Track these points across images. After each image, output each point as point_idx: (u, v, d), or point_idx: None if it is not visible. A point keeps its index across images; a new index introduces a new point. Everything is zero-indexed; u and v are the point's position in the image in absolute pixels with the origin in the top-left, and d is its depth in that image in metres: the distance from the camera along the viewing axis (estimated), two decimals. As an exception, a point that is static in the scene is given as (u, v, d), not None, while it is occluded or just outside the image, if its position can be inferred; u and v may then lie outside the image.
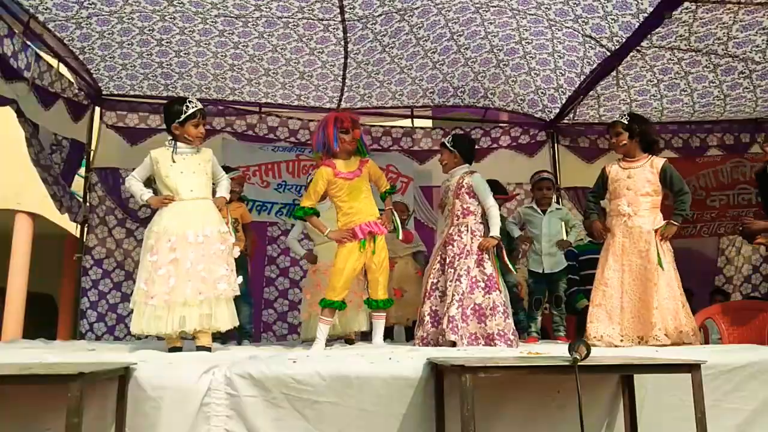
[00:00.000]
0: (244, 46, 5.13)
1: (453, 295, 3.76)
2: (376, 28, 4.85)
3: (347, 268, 3.60)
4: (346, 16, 4.68)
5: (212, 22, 4.76)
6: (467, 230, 3.92)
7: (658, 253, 3.71)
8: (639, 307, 3.71)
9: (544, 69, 5.51)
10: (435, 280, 3.97)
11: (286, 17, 4.74)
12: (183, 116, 3.44)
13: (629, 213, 3.86)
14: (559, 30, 4.85)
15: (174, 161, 3.43)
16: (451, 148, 4.14)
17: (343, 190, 3.67)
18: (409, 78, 5.58)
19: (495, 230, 3.92)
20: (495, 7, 4.68)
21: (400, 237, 4.02)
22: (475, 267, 3.84)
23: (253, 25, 4.85)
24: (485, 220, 4.03)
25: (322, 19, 4.78)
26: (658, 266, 3.69)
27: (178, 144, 3.47)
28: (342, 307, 3.66)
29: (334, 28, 4.88)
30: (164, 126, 3.60)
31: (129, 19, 4.58)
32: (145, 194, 3.50)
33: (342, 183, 3.65)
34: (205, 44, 5.07)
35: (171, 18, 4.67)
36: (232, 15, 4.68)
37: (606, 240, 3.99)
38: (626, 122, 3.97)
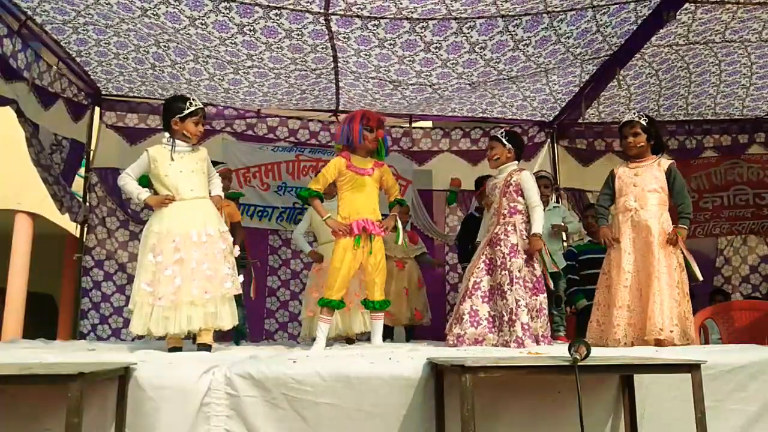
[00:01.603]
0: (235, 86, 5.24)
1: (517, 300, 3.66)
2: (368, 85, 4.92)
3: (344, 267, 3.61)
4: (339, 65, 4.73)
5: (203, 62, 4.80)
6: (514, 230, 3.85)
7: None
8: (645, 302, 3.65)
9: (539, 94, 5.57)
10: (478, 280, 3.86)
11: (278, 68, 4.76)
12: (186, 112, 3.41)
13: (636, 207, 3.82)
14: (554, 74, 4.86)
15: (173, 159, 3.41)
16: (506, 142, 4.01)
17: (350, 184, 3.72)
18: (405, 98, 5.64)
19: (538, 227, 3.83)
20: (492, 81, 4.73)
21: (399, 241, 3.99)
22: (525, 267, 3.79)
23: (244, 73, 4.92)
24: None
25: (314, 69, 4.81)
26: (663, 260, 3.65)
27: (177, 142, 3.45)
28: (340, 306, 3.67)
29: (327, 74, 4.92)
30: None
31: (126, 35, 4.62)
32: (142, 193, 3.44)
33: (351, 176, 3.71)
34: (196, 83, 5.15)
35: (165, 47, 4.70)
36: (223, 60, 4.71)
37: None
38: (645, 123, 3.90)
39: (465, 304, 3.82)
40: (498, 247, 3.84)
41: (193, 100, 3.48)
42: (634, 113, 4.04)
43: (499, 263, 3.81)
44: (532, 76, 4.88)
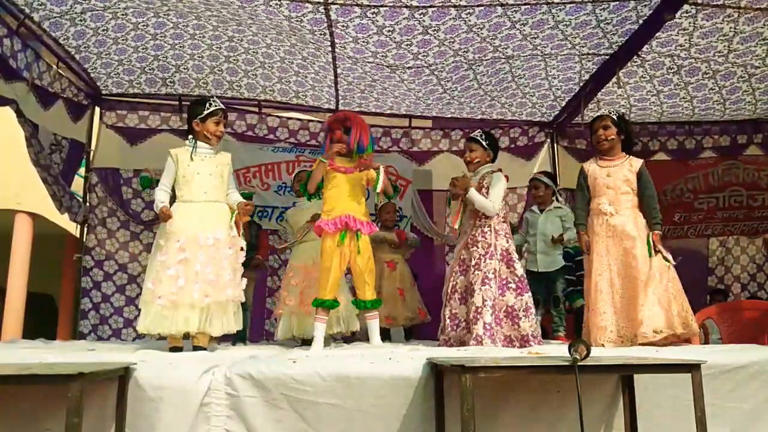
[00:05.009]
0: (238, 40, 5.09)
1: (484, 300, 3.66)
2: (366, 68, 4.88)
3: (333, 266, 3.65)
4: (337, 50, 4.73)
5: (206, 19, 4.75)
6: (491, 230, 3.84)
7: (649, 247, 3.66)
8: (628, 306, 3.67)
9: (539, 90, 5.55)
10: (454, 283, 3.87)
11: (278, 27, 4.75)
12: (205, 112, 3.50)
13: (611, 212, 3.80)
14: (553, 59, 4.85)
15: (192, 159, 3.47)
16: (485, 145, 4.01)
17: (334, 181, 3.79)
18: (408, 94, 5.61)
19: (477, 196, 3.81)
20: (488, 59, 4.72)
21: (379, 187, 3.81)
22: (505, 268, 3.78)
23: (246, 25, 4.85)
24: (508, 221, 3.97)
25: (312, 41, 4.79)
26: (646, 263, 3.64)
27: (198, 143, 3.52)
28: (334, 306, 3.69)
29: (325, 53, 4.90)
30: (164, 126, 3.63)
31: (123, 14, 4.57)
32: (158, 204, 3.42)
33: (333, 173, 3.81)
34: (200, 37, 5.02)
35: (165, 14, 4.65)
36: (225, 16, 4.68)
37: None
38: (616, 117, 3.90)
39: (446, 309, 3.88)
40: (474, 248, 3.83)
41: (214, 101, 3.57)
42: (607, 110, 4.03)
43: (473, 263, 3.80)
44: (529, 60, 4.83)
